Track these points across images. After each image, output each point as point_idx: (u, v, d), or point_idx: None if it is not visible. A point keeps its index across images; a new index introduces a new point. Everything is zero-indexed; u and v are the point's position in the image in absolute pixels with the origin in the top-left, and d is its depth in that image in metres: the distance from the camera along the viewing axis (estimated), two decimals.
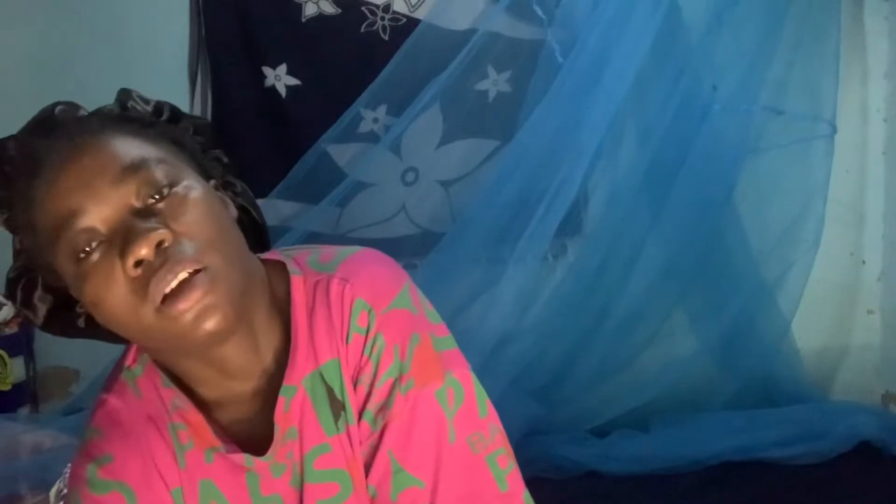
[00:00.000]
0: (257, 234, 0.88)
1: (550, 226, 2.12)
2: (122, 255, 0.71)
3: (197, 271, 0.72)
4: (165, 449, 0.83)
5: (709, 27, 2.28)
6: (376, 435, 0.80)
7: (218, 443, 0.82)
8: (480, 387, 0.83)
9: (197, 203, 0.74)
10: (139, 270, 0.71)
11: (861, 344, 2.52)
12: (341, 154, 2.29)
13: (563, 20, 2.23)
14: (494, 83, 2.28)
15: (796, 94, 2.36)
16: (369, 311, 0.81)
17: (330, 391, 0.82)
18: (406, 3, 2.29)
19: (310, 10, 2.28)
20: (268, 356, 0.82)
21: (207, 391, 0.83)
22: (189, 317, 0.71)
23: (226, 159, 0.88)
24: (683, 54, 2.27)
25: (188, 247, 0.72)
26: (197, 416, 0.82)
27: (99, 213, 0.72)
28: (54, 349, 2.25)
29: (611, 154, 2.29)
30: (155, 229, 0.71)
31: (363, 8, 2.28)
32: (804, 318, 2.38)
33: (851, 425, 2.17)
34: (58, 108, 0.79)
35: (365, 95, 2.22)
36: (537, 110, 2.15)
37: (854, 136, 2.49)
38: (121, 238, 0.71)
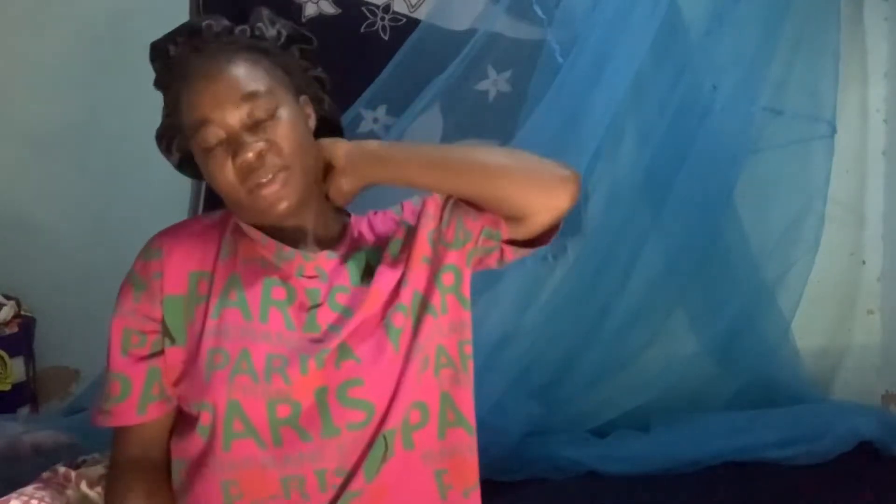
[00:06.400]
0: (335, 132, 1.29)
1: None
2: (234, 156, 1.09)
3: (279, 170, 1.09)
4: (215, 241, 1.19)
5: (709, 27, 2.28)
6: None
7: (261, 255, 1.17)
8: None
9: (288, 124, 1.12)
10: (243, 166, 1.09)
11: (861, 344, 2.52)
12: None
13: (563, 20, 2.22)
14: (494, 83, 2.28)
15: (796, 94, 2.36)
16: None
17: (369, 265, 1.21)
18: (406, 3, 2.29)
19: (310, 10, 2.27)
20: (312, 234, 1.22)
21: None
22: (268, 200, 1.10)
23: (324, 77, 1.26)
24: (683, 54, 2.26)
25: (278, 154, 1.10)
26: (255, 235, 1.18)
27: (223, 123, 1.09)
28: (54, 349, 2.24)
29: (611, 154, 2.28)
30: (258, 141, 1.09)
31: (363, 8, 2.28)
32: (804, 318, 2.38)
33: (851, 425, 2.16)
34: (205, 24, 1.15)
35: (365, 95, 2.21)
36: (537, 110, 2.14)
37: (854, 136, 2.49)
38: (235, 144, 1.09)
